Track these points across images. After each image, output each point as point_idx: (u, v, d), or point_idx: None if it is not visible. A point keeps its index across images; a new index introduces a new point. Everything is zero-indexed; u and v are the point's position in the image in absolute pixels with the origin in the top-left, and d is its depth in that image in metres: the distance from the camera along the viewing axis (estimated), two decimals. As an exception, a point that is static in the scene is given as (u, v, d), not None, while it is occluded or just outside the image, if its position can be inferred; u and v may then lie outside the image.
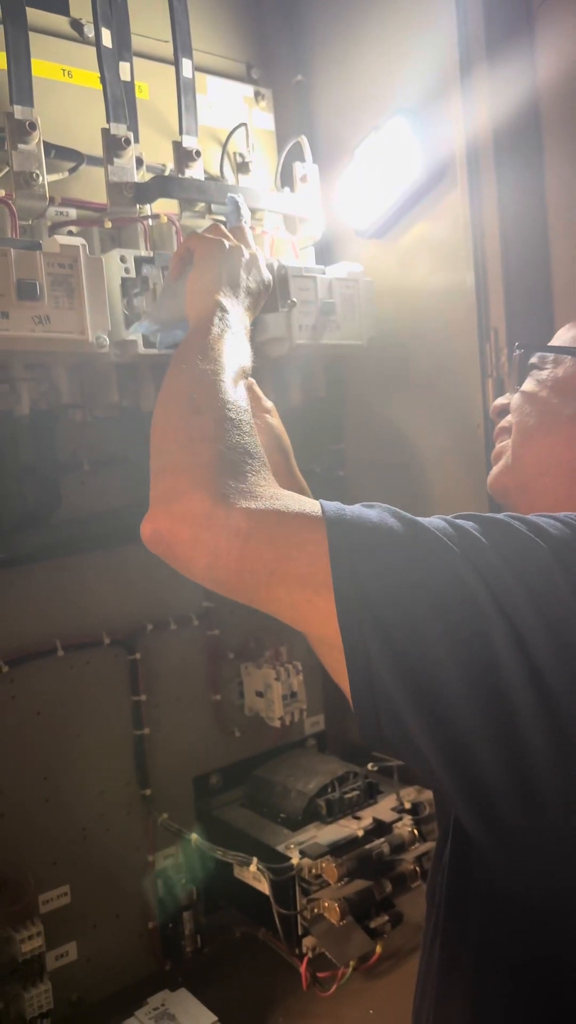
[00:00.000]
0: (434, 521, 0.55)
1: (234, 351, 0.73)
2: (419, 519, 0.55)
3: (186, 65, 1.11)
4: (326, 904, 1.07)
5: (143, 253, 1.04)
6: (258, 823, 1.20)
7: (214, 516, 0.56)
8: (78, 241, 0.95)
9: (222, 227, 0.91)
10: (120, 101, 1.05)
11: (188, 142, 1.12)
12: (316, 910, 1.08)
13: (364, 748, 1.42)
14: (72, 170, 1.08)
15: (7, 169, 0.99)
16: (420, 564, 0.52)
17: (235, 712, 1.31)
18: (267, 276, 0.88)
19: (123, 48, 1.08)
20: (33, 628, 1.10)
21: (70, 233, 1.07)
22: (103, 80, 1.04)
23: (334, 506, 0.56)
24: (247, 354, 0.76)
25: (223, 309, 0.77)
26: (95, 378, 1.09)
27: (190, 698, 1.27)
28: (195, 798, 1.27)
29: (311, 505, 0.57)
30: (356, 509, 0.56)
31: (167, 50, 1.19)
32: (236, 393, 0.68)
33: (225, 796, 1.29)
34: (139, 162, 1.10)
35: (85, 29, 1.14)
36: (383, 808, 1.20)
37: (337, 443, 1.41)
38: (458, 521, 0.55)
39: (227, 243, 0.86)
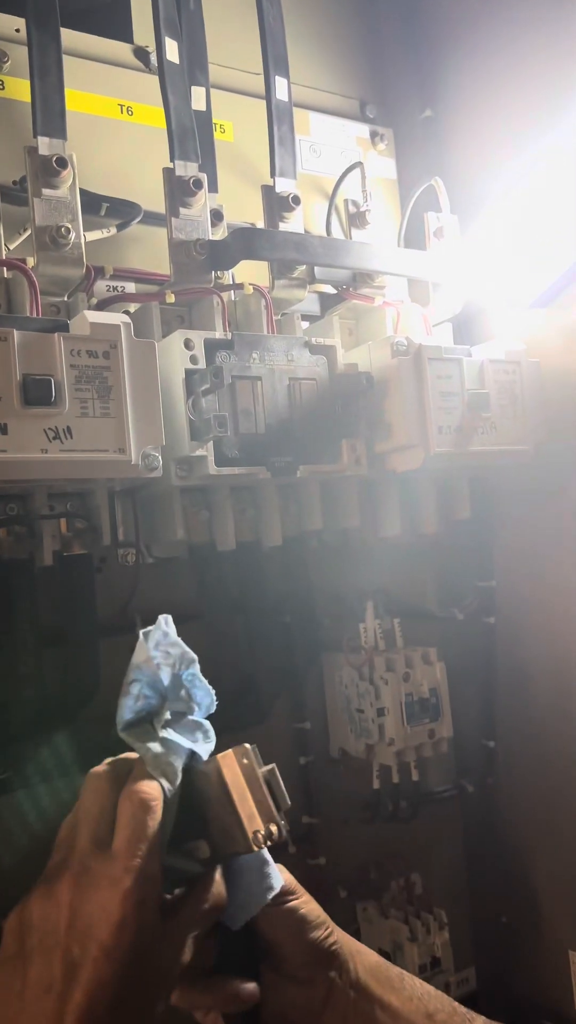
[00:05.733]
0: None
1: None
2: None
3: (280, 85, 0.82)
4: None
5: (218, 335, 0.74)
6: None
7: None
8: (117, 318, 0.64)
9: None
10: (189, 133, 0.77)
11: (283, 185, 0.82)
12: None
13: (532, 1008, 1.00)
14: (121, 226, 0.78)
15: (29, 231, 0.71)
16: None
17: (349, 972, 0.92)
18: None
19: (196, 67, 0.81)
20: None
21: (126, 313, 0.78)
22: (166, 105, 0.76)
23: None
24: None
25: None
26: (152, 506, 0.78)
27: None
28: None
29: None
30: None
31: (259, 84, 0.92)
32: None
33: None
34: (217, 216, 0.82)
35: (152, 58, 0.88)
36: None
37: (487, 580, 1.04)
38: None
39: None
